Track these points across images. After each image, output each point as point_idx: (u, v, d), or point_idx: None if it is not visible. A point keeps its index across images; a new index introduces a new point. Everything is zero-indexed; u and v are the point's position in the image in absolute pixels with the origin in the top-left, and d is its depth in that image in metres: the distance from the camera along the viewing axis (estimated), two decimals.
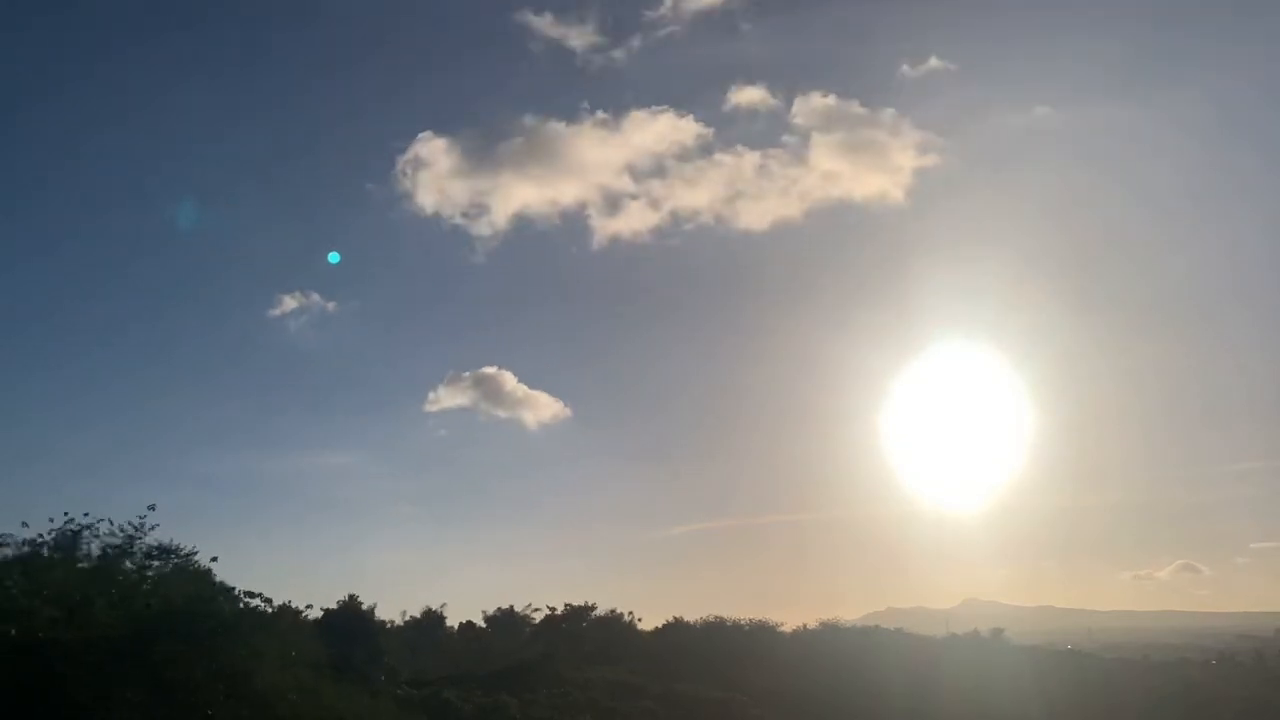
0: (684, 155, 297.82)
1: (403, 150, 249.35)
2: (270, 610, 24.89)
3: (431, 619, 70.98)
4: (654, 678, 54.07)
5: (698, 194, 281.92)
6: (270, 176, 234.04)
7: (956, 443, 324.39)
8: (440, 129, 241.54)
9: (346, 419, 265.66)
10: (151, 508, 24.82)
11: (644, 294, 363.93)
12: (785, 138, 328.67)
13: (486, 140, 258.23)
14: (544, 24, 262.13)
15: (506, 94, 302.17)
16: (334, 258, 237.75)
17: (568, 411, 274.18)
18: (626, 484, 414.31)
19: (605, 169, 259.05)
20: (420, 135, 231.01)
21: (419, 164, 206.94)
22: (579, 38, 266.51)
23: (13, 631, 19.53)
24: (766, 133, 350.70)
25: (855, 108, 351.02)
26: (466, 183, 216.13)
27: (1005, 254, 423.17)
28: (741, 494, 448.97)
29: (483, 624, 74.62)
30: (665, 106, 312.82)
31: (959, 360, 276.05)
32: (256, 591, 24.80)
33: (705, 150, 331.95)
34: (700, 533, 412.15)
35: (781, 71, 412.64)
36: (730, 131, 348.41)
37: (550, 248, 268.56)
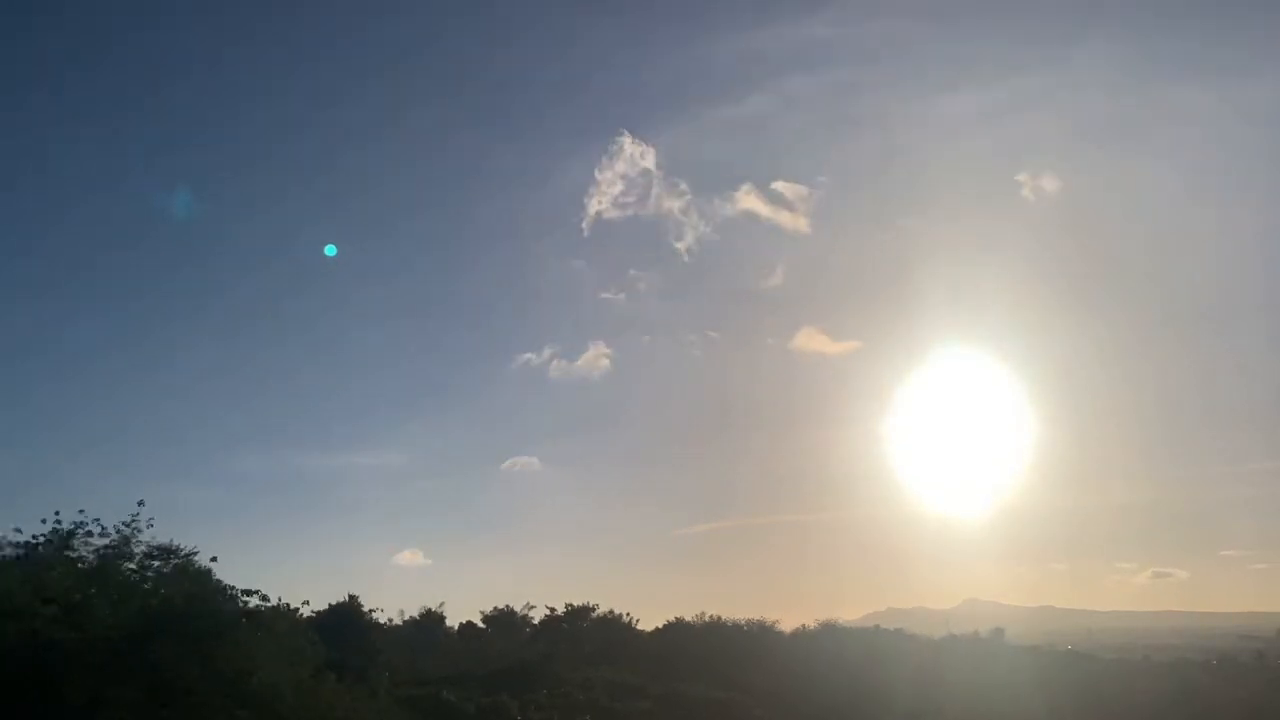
0: None
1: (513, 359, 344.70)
2: (267, 608, 24.77)
3: (431, 619, 70.92)
4: (654, 678, 54.01)
5: None
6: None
7: (958, 445, 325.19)
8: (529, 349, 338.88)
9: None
10: (141, 504, 24.71)
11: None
12: None
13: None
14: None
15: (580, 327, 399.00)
16: (330, 250, 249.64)
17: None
18: (632, 486, 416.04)
19: None
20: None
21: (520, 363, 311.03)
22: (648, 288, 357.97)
23: (11, 631, 19.48)
24: None
25: None
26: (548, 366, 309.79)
27: (1007, 258, 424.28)
28: (746, 496, 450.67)
29: (482, 624, 74.59)
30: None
31: (960, 365, 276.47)
32: (254, 589, 24.73)
33: None
34: (706, 533, 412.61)
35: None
36: None
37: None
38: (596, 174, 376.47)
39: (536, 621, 74.08)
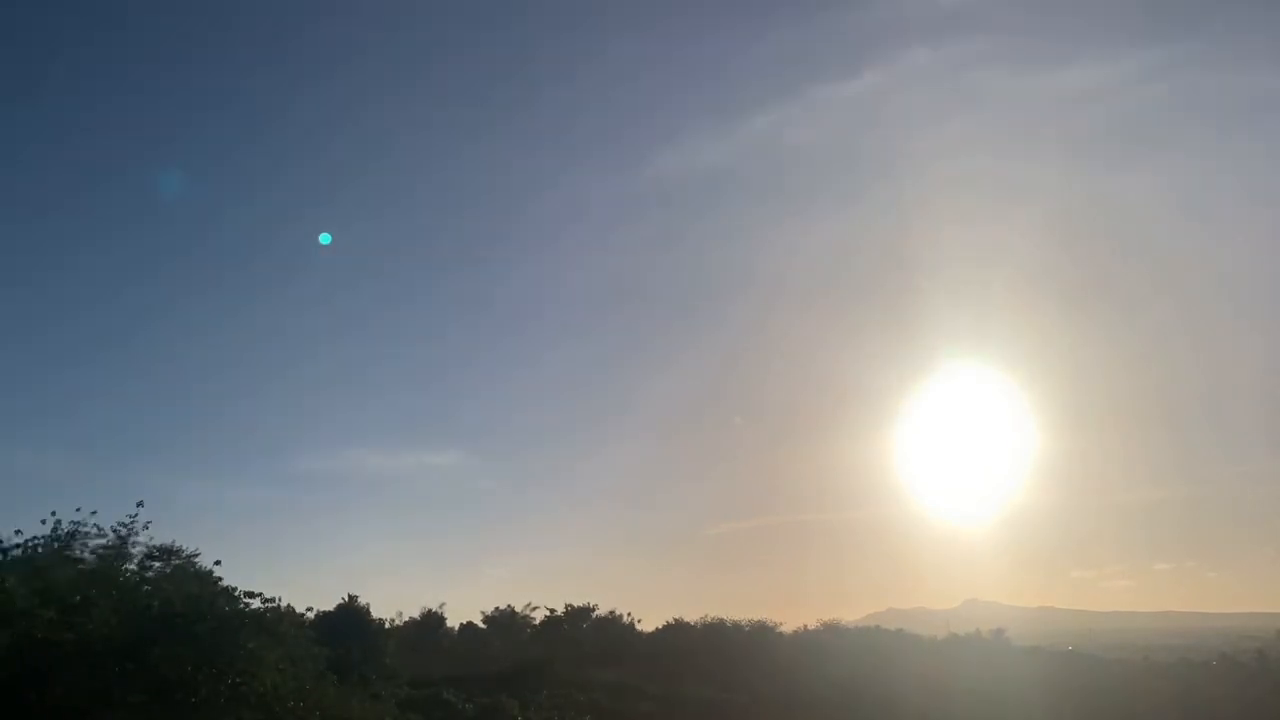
0: None
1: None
2: (269, 609, 24.70)
3: (432, 619, 70.86)
4: (654, 679, 53.96)
5: None
6: None
7: (960, 448, 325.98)
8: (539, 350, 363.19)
9: None
10: (140, 504, 24.62)
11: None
12: None
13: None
14: None
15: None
16: (325, 239, 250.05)
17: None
18: (635, 490, 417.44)
19: None
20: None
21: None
22: None
23: (11, 633, 19.41)
24: None
25: None
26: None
27: (1009, 259, 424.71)
28: (748, 498, 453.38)
29: (482, 625, 74.51)
30: None
31: (962, 369, 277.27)
32: (256, 591, 24.68)
33: None
34: (710, 535, 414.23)
35: None
36: None
37: None
38: None
39: (537, 622, 74.03)
